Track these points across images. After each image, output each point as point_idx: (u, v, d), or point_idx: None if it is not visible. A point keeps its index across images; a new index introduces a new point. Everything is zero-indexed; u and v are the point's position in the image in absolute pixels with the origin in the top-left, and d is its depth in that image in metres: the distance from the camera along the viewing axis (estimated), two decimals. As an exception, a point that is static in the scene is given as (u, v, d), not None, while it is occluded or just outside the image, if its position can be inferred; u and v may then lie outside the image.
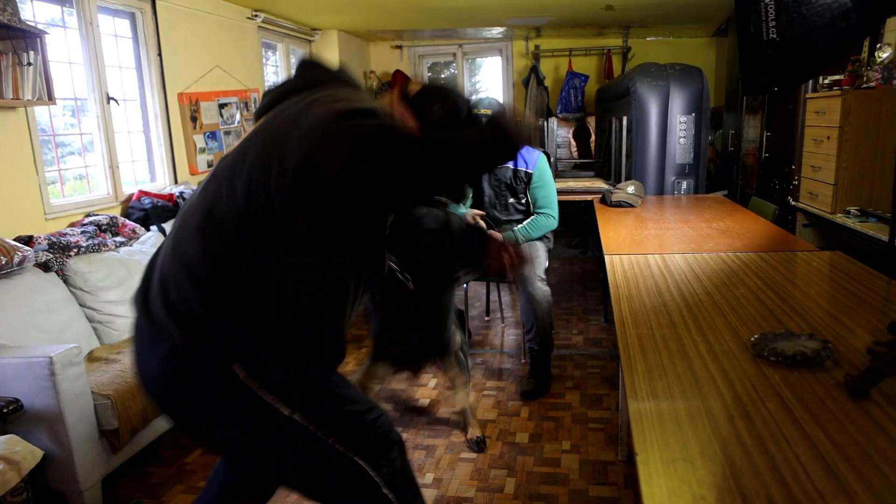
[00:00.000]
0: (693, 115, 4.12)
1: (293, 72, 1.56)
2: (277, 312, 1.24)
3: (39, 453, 2.10)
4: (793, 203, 3.94)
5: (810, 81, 3.72)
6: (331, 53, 6.54)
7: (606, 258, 2.45)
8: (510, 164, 3.30)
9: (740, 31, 2.24)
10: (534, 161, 3.34)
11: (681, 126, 4.12)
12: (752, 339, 1.50)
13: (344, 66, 1.57)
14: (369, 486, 1.45)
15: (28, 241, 2.90)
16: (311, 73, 1.52)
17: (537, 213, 3.40)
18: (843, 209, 3.41)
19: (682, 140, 4.15)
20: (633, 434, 1.12)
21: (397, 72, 7.14)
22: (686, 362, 1.44)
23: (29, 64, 2.89)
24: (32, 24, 2.94)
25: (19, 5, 2.88)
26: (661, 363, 1.43)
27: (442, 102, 1.51)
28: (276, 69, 6.07)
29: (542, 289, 3.22)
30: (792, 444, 1.06)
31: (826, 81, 3.61)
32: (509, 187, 3.41)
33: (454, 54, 7.49)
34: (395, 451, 1.55)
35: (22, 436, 2.13)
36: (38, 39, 2.93)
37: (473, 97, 1.55)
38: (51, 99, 3.06)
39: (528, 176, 3.35)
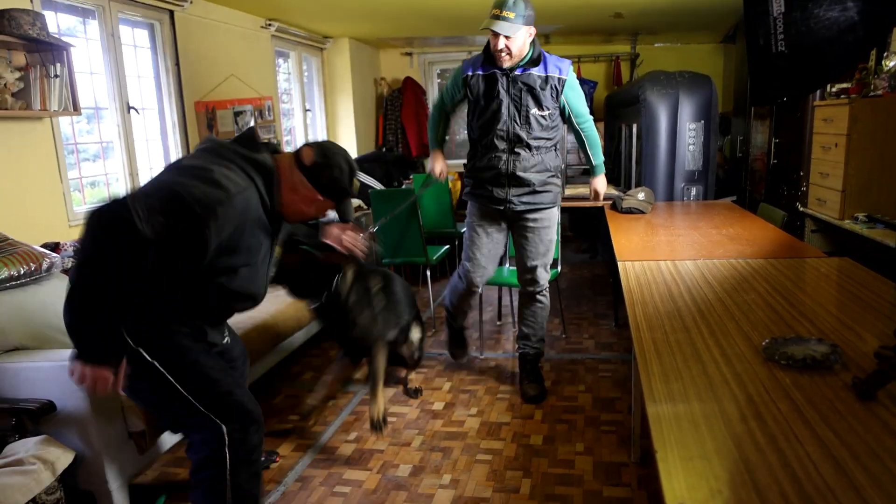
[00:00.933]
0: (702, 122, 4.17)
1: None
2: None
3: (71, 454, 2.18)
4: (801, 209, 3.99)
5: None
6: (342, 61, 6.63)
7: (619, 264, 2.51)
8: (538, 70, 2.88)
9: (750, 44, 2.31)
10: (567, 67, 2.94)
11: (690, 133, 4.18)
12: (763, 343, 1.56)
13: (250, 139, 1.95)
14: (217, 439, 1.92)
15: (55, 247, 2.98)
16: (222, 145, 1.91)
17: (583, 127, 3.07)
18: (851, 215, 3.46)
19: (691, 147, 4.20)
20: (653, 433, 1.18)
21: (407, 79, 7.23)
22: (700, 365, 1.50)
23: (56, 76, 2.99)
24: (58, 38, 3.03)
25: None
26: (676, 366, 1.50)
27: (329, 171, 1.93)
28: (289, 76, 6.17)
29: (544, 293, 3.24)
30: (803, 443, 1.12)
31: (833, 89, 3.67)
32: (534, 96, 2.90)
33: (463, 61, 7.56)
34: (251, 427, 1.97)
35: (54, 437, 2.20)
36: (65, 52, 3.02)
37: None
38: (76, 109, 3.15)
39: (562, 83, 2.92)
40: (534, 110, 2.93)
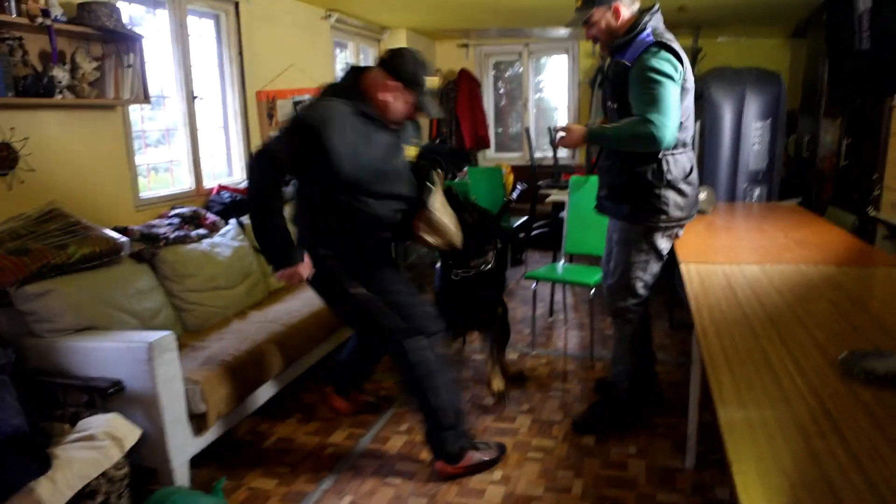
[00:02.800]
0: (769, 120, 4.04)
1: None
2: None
3: (138, 432, 2.26)
4: (873, 214, 3.82)
5: (896, 88, 3.59)
6: (398, 52, 6.64)
7: (682, 266, 2.46)
8: (622, 58, 2.44)
9: (830, 41, 2.21)
10: (637, 51, 2.38)
11: (755, 131, 4.05)
12: (841, 356, 1.50)
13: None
14: (398, 348, 2.45)
15: (123, 231, 3.09)
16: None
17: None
18: (929, 221, 3.30)
19: (755, 146, 4.07)
20: (727, 444, 1.15)
21: (462, 71, 7.21)
22: (772, 376, 1.45)
23: (129, 66, 3.08)
24: (131, 29, 3.12)
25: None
26: (747, 375, 1.45)
27: (398, 59, 2.32)
28: (346, 67, 6.21)
29: (623, 318, 2.77)
30: (889, 464, 1.08)
31: (914, 89, 3.49)
32: (612, 87, 2.55)
33: (520, 53, 7.51)
34: (425, 338, 2.44)
35: (121, 414, 2.29)
36: (138, 43, 3.11)
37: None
38: (146, 98, 3.24)
39: (627, 71, 2.41)
40: (609, 102, 2.65)
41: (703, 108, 4.19)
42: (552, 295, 4.53)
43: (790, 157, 5.94)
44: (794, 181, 5.54)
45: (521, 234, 5.61)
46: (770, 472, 1.07)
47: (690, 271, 2.39)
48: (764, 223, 3.37)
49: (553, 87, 7.97)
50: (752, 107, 4.04)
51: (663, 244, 2.65)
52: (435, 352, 2.49)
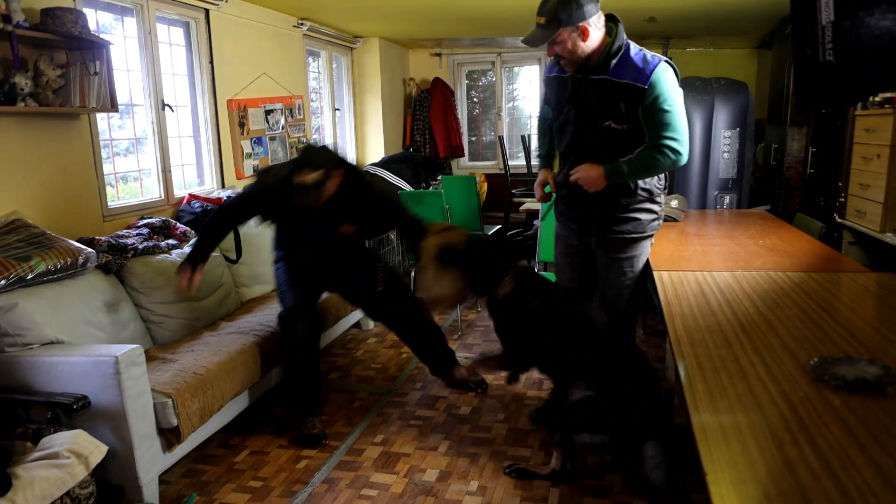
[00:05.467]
0: (737, 129, 4.11)
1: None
2: None
3: (104, 448, 2.20)
4: (839, 220, 3.90)
5: (859, 98, 3.68)
6: (372, 60, 6.63)
7: (655, 274, 2.47)
8: (617, 77, 2.36)
9: (796, 53, 2.25)
10: (641, 71, 2.32)
11: (725, 140, 4.12)
12: (812, 362, 1.52)
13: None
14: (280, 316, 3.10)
15: (90, 242, 3.01)
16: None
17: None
18: (893, 228, 3.37)
19: (725, 155, 4.14)
20: (701, 453, 1.15)
21: (436, 79, 7.22)
22: (745, 383, 1.46)
23: (95, 73, 3.02)
24: (98, 36, 3.06)
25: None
26: (720, 383, 1.46)
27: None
28: (318, 76, 6.19)
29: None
30: (860, 470, 1.09)
31: (877, 99, 3.57)
32: (611, 106, 2.40)
33: (493, 62, 7.54)
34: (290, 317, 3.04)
35: (87, 431, 2.22)
36: (104, 50, 3.05)
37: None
38: (113, 107, 3.18)
39: (640, 94, 2.32)
40: (609, 122, 2.46)
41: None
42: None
43: (758, 165, 6.05)
44: (763, 189, 5.64)
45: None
46: (745, 481, 1.08)
47: (663, 279, 2.41)
48: (735, 230, 3.42)
49: (526, 96, 8.02)
50: (722, 116, 4.11)
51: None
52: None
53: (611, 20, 2.42)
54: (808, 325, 1.85)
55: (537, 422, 3.00)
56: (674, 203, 3.75)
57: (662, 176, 2.64)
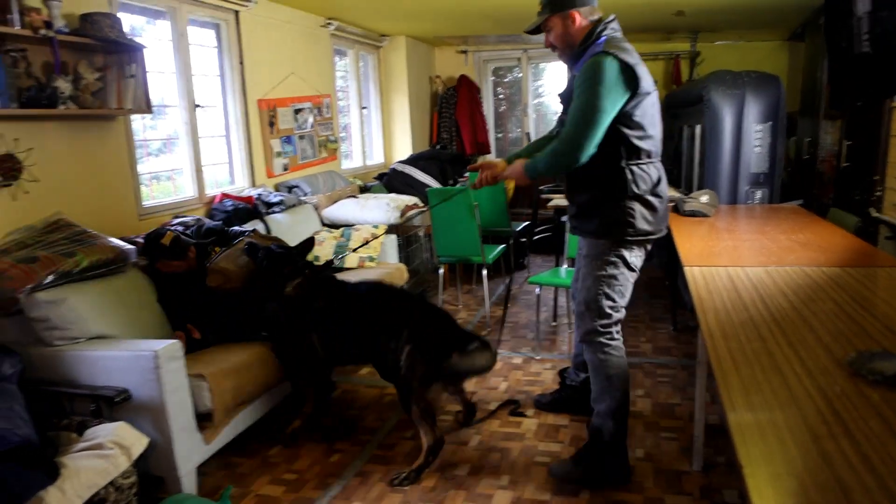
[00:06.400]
0: (769, 123, 4.05)
1: None
2: None
3: (146, 440, 2.27)
4: (874, 215, 3.83)
5: None
6: (398, 58, 6.67)
7: (686, 270, 2.46)
8: (578, 66, 2.36)
9: (830, 45, 2.22)
10: (582, 62, 2.31)
11: (756, 134, 4.06)
12: (849, 357, 1.51)
13: None
14: None
15: (128, 241, 3.09)
16: None
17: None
18: (930, 222, 3.31)
19: (757, 149, 4.08)
20: (737, 447, 1.16)
21: (462, 77, 7.23)
22: (780, 378, 1.45)
23: (131, 76, 3.10)
24: (133, 40, 3.13)
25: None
26: (755, 378, 1.46)
27: None
28: (345, 74, 6.24)
29: (594, 344, 2.52)
30: (900, 464, 1.08)
31: (914, 90, 3.50)
32: (566, 101, 2.46)
33: (519, 59, 7.53)
34: None
35: (128, 423, 2.29)
36: (139, 53, 3.13)
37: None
38: (148, 108, 3.26)
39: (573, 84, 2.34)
40: (564, 117, 2.47)
41: (703, 111, 4.20)
42: (555, 299, 4.54)
43: (790, 159, 5.95)
44: (795, 183, 5.55)
45: (524, 239, 5.62)
46: (782, 475, 1.08)
47: (694, 274, 2.39)
48: (766, 225, 3.38)
49: (552, 93, 7.99)
50: (752, 110, 4.05)
51: (633, 259, 2.46)
52: None
53: (602, 22, 2.38)
54: (844, 320, 1.83)
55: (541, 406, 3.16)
56: (704, 198, 3.72)
57: (649, 176, 2.38)
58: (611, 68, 2.20)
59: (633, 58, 2.24)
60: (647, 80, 2.28)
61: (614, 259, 2.44)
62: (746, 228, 3.42)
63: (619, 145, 2.31)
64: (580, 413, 2.99)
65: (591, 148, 2.23)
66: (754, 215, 3.77)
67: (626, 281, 2.50)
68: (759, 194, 4.18)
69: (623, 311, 2.54)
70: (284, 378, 2.99)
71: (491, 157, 7.73)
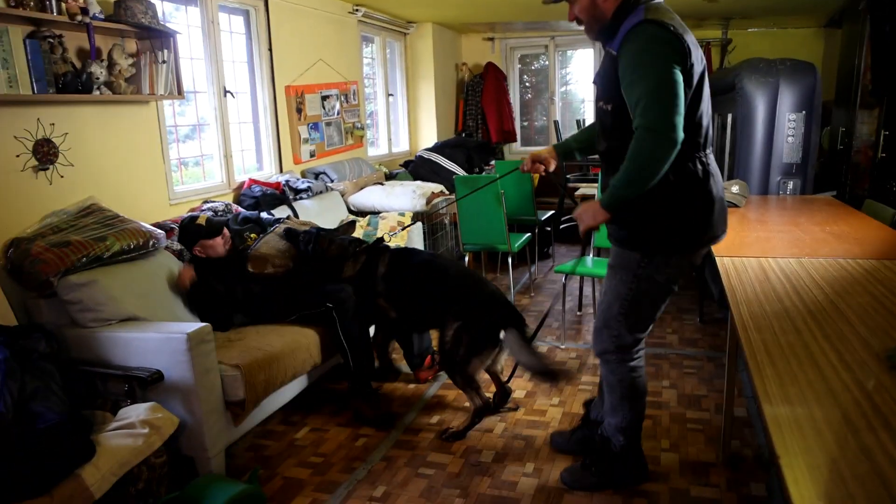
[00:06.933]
0: (803, 112, 3.97)
1: None
2: None
3: (176, 420, 2.31)
4: (911, 206, 3.74)
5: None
6: (424, 45, 6.65)
7: (718, 260, 2.43)
8: (611, 46, 2.02)
9: (874, 31, 2.15)
10: (623, 33, 1.94)
11: (789, 124, 3.98)
12: (888, 350, 1.48)
13: None
14: None
15: (159, 226, 3.14)
16: None
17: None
18: (970, 215, 3.22)
19: (790, 139, 4.00)
20: (773, 437, 1.14)
21: (489, 64, 7.18)
22: (816, 370, 1.43)
23: (164, 62, 3.13)
24: (166, 26, 3.16)
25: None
26: (790, 369, 1.44)
27: None
28: (372, 62, 6.24)
29: (610, 363, 2.30)
30: (941, 459, 1.06)
31: (956, 78, 3.41)
32: (603, 82, 2.09)
33: (546, 46, 7.46)
34: None
35: (160, 404, 2.33)
36: (172, 39, 3.16)
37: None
38: (179, 93, 3.29)
39: (615, 61, 1.97)
40: (601, 102, 2.11)
41: (736, 100, 4.13)
42: (581, 289, 4.51)
43: (823, 149, 5.83)
44: (828, 174, 5.44)
45: (549, 228, 5.59)
46: (819, 467, 1.06)
47: (726, 265, 2.36)
48: (799, 216, 3.32)
49: (579, 80, 7.91)
50: (786, 98, 3.97)
51: (671, 272, 2.15)
52: None
53: None
54: (882, 313, 1.79)
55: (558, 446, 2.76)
56: (735, 188, 3.66)
57: (717, 171, 2.09)
58: (663, 37, 1.87)
59: (680, 26, 1.92)
60: (697, 53, 1.94)
61: (639, 277, 2.13)
62: (779, 219, 3.36)
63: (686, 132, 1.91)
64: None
65: (680, 130, 1.85)
66: (786, 206, 3.70)
67: (660, 299, 2.20)
68: (791, 185, 4.10)
69: (649, 329, 2.29)
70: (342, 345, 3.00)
71: (516, 146, 7.69)
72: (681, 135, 1.86)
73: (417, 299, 3.00)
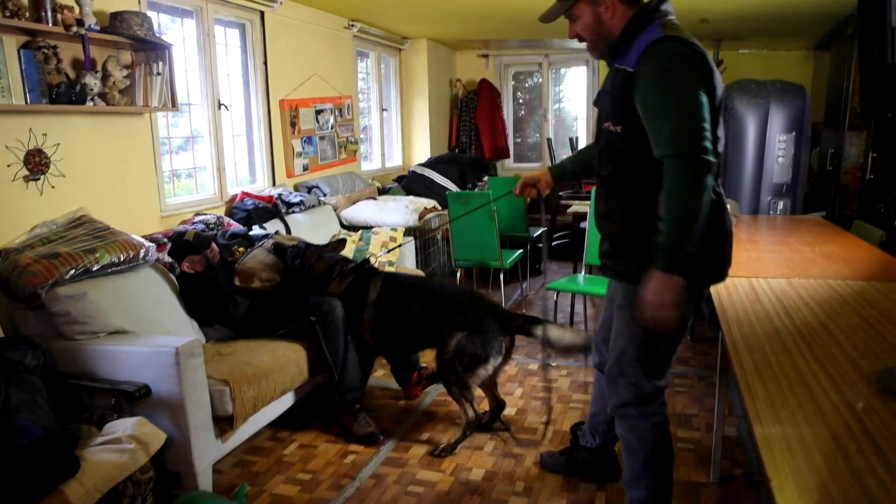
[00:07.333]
0: (793, 133, 4.01)
1: None
2: None
3: (163, 436, 2.28)
4: (900, 228, 3.78)
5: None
6: (419, 61, 6.69)
7: (709, 279, 2.43)
8: (620, 62, 1.85)
9: (862, 55, 2.19)
10: (642, 47, 1.76)
11: (779, 144, 4.03)
12: (878, 372, 1.48)
13: None
14: None
15: (149, 239, 3.12)
16: None
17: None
18: (958, 237, 3.26)
19: (780, 159, 4.05)
20: (764, 460, 1.14)
21: (483, 81, 7.23)
22: (807, 392, 1.43)
23: (158, 74, 3.13)
24: (161, 38, 3.17)
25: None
26: (781, 391, 1.44)
27: None
28: (366, 76, 6.27)
29: (629, 419, 2.05)
30: (931, 483, 1.06)
31: (943, 103, 3.45)
32: (612, 101, 1.91)
33: (540, 64, 7.52)
34: None
35: (146, 418, 2.31)
36: (167, 51, 3.16)
37: None
38: (174, 105, 3.29)
39: (629, 80, 1.80)
40: (606, 123, 1.95)
41: (727, 120, 4.17)
42: (572, 306, 4.51)
43: (812, 170, 5.89)
44: (817, 195, 5.49)
45: (540, 245, 5.60)
46: (811, 489, 1.06)
47: (717, 285, 2.37)
48: (789, 236, 3.34)
49: (573, 98, 7.97)
50: (777, 119, 4.02)
51: (690, 307, 1.93)
52: None
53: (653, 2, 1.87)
54: (871, 335, 1.80)
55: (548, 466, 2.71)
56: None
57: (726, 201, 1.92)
58: (688, 56, 1.73)
59: (699, 45, 1.78)
60: (717, 75, 1.80)
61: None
62: (769, 239, 3.38)
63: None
64: (595, 479, 2.55)
65: (711, 152, 1.70)
66: (776, 226, 3.73)
67: (676, 339, 1.98)
68: (781, 205, 4.14)
69: (670, 374, 2.06)
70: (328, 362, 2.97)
71: (509, 162, 7.73)
72: (713, 157, 1.70)
73: (413, 319, 2.97)
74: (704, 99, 1.71)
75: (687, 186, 1.69)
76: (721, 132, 1.87)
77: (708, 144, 1.69)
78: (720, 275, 1.99)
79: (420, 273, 4.44)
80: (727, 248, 1.96)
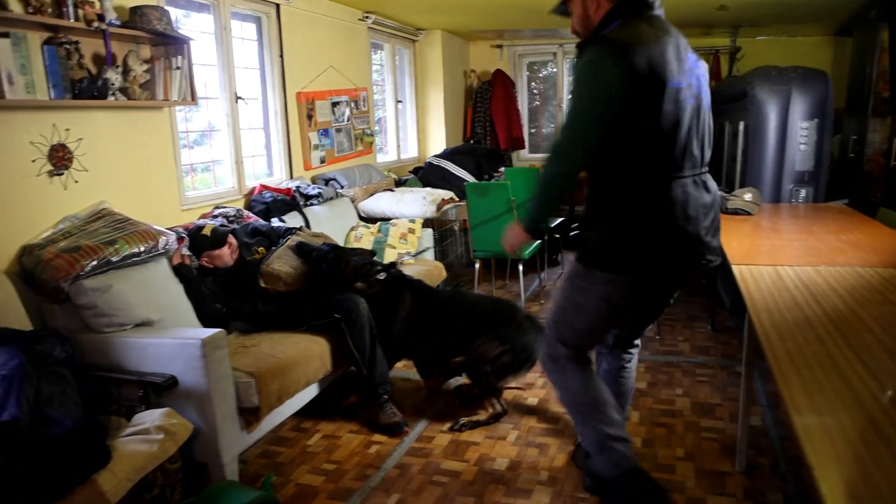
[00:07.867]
0: (815, 120, 3.95)
1: None
2: None
3: (191, 426, 2.30)
4: (925, 215, 3.72)
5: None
6: (433, 52, 6.67)
7: (735, 269, 2.42)
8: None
9: (893, 41, 2.15)
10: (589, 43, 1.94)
11: (801, 132, 3.97)
12: (915, 359, 1.47)
13: None
14: None
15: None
16: None
17: None
18: None
19: (802, 147, 3.99)
20: (805, 449, 1.13)
21: (498, 71, 7.19)
22: (843, 380, 1.42)
23: (177, 68, 3.13)
24: (180, 32, 3.17)
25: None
26: (816, 379, 1.42)
27: None
28: (381, 68, 6.26)
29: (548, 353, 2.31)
30: (978, 471, 1.05)
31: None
32: None
33: (554, 53, 7.47)
34: None
35: (174, 410, 2.33)
36: (186, 45, 3.17)
37: None
38: (193, 99, 3.30)
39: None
40: None
41: (747, 108, 4.12)
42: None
43: (834, 157, 5.81)
44: (839, 182, 5.41)
45: (557, 235, 5.58)
46: (853, 477, 1.05)
47: (742, 273, 2.35)
48: (813, 224, 3.30)
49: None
50: (798, 106, 3.96)
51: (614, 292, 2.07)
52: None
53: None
54: (905, 323, 1.78)
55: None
56: (747, 196, 3.65)
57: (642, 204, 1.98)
58: (594, 63, 1.87)
59: (640, 44, 1.83)
60: (651, 61, 1.83)
61: (592, 295, 2.13)
62: (792, 227, 3.35)
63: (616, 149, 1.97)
64: None
65: (580, 157, 1.95)
66: (799, 214, 3.69)
67: (597, 315, 2.17)
68: (803, 193, 4.09)
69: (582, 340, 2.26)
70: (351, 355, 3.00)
71: (525, 153, 7.69)
72: (580, 162, 1.95)
73: (448, 336, 3.09)
74: (599, 106, 1.85)
75: (546, 176, 1.98)
76: (671, 109, 1.88)
77: (580, 149, 1.91)
78: (647, 266, 2.02)
79: (440, 265, 4.43)
80: (662, 242, 1.99)
